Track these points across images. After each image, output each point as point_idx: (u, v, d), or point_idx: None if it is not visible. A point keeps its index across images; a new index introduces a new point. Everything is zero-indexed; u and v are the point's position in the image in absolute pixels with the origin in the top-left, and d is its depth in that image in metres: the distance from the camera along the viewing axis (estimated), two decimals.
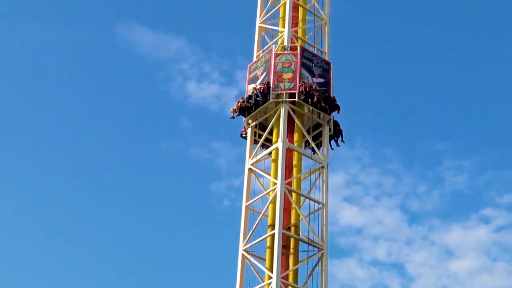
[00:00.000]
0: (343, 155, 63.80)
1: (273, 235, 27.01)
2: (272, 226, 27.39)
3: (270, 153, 29.20)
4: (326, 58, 31.59)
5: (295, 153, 29.12)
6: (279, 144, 28.40)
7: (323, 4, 32.95)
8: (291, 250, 27.46)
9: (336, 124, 30.16)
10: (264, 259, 27.47)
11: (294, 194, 28.20)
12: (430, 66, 74.02)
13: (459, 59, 74.05)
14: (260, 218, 28.00)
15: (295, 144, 29.09)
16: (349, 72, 66.71)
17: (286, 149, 28.47)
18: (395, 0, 73.57)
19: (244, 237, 27.92)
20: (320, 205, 28.62)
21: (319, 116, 29.87)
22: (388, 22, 73.11)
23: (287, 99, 28.98)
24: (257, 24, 32.58)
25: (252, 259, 27.57)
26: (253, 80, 30.54)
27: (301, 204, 28.63)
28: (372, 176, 68.52)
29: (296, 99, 28.91)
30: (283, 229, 26.94)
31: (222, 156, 68.85)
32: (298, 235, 27.86)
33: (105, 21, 74.75)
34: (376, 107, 72.43)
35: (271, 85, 29.19)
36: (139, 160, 69.95)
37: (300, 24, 32.13)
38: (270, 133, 29.62)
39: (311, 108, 29.34)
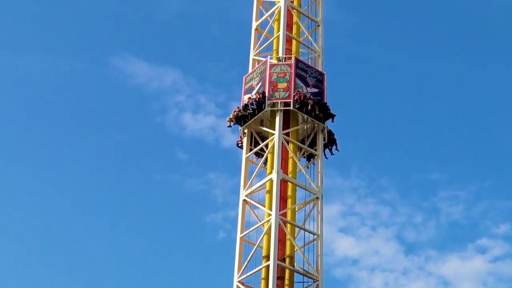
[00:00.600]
0: (339, 186, 64.16)
1: (267, 267, 27.04)
2: (267, 258, 27.42)
3: (264, 184, 29.33)
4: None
5: (290, 184, 29.27)
6: (273, 175, 28.54)
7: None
8: (286, 282, 27.48)
9: (330, 133, 30.86)
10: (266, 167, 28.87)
11: (288, 225, 28.29)
12: (426, 96, 74.57)
13: (456, 89, 74.60)
14: (255, 250, 28.04)
15: (290, 175, 29.25)
16: (344, 101, 67.18)
17: (281, 180, 28.61)
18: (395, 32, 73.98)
19: (239, 269, 27.95)
20: (315, 236, 28.69)
21: (313, 126, 30.54)
22: (384, 53, 73.62)
23: (282, 108, 29.63)
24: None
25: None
26: (249, 90, 31.20)
27: (296, 235, 28.73)
28: (368, 207, 68.70)
29: (291, 107, 29.63)
30: (278, 260, 27.00)
31: (218, 187, 68.97)
32: (293, 266, 27.91)
33: (99, 52, 75.46)
34: (371, 137, 72.83)
35: (267, 94, 29.92)
36: (134, 192, 70.08)
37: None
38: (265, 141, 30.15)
39: (305, 117, 30.05)
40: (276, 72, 30.59)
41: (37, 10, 75.04)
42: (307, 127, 30.65)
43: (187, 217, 68.99)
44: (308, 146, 30.44)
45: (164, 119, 71.18)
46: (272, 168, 28.94)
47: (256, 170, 29.87)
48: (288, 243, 28.07)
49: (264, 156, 29.87)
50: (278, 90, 30.13)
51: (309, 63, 32.36)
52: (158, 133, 72.15)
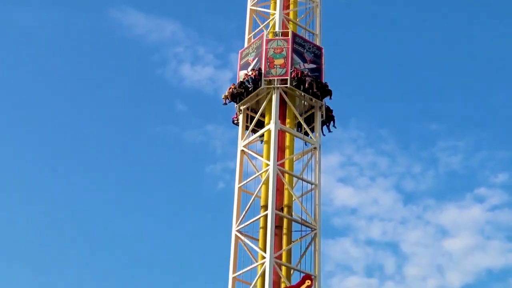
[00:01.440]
0: (338, 137, 64.19)
1: (266, 216, 27.32)
2: (265, 207, 27.70)
3: (262, 135, 29.43)
4: (318, 41, 31.66)
5: (288, 135, 29.39)
6: (271, 125, 28.63)
7: None
8: (284, 231, 27.74)
9: (328, 109, 30.25)
10: (257, 240, 27.79)
11: (286, 175, 28.48)
12: (424, 47, 74.08)
13: (454, 39, 74.11)
14: (253, 199, 28.29)
15: (287, 126, 29.34)
16: (343, 54, 67.03)
17: (279, 130, 28.71)
18: None
19: (237, 218, 28.23)
20: (313, 186, 28.91)
21: (311, 102, 29.93)
22: (381, 3, 73.01)
23: (279, 85, 29.00)
24: (248, 7, 32.60)
25: (246, 240, 27.90)
26: (245, 66, 30.55)
27: (294, 185, 28.92)
28: (367, 157, 68.81)
29: (288, 85, 28.97)
30: (276, 209, 27.23)
31: (217, 139, 68.98)
32: (291, 215, 28.17)
33: (98, 4, 74.65)
34: (371, 88, 72.60)
35: (263, 71, 29.24)
36: (134, 144, 70.20)
37: (291, 6, 32.14)
38: (263, 116, 29.69)
39: (303, 94, 29.37)
40: (272, 48, 29.86)
41: None
42: (304, 103, 30.14)
43: (187, 169, 69.25)
44: (306, 121, 29.92)
45: (164, 71, 71.06)
46: (270, 120, 28.96)
47: (253, 123, 29.79)
48: (286, 193, 28.29)
49: (260, 109, 29.65)
50: (275, 66, 29.45)
51: (307, 13, 32.00)
52: (157, 85, 72.04)
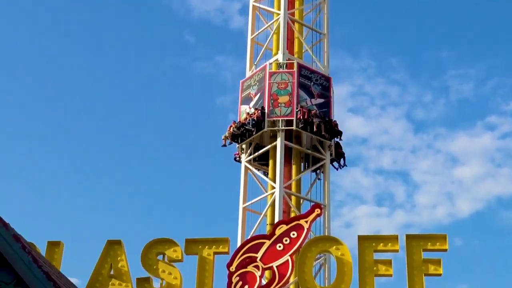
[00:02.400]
0: (348, 67, 63.90)
1: (275, 147, 27.30)
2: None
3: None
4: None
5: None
6: (279, 55, 28.37)
7: None
8: (294, 161, 27.81)
9: (337, 145, 28.21)
10: (267, 170, 27.93)
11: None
12: None
13: None
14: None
15: (296, 56, 29.06)
16: None
17: (287, 60, 28.43)
18: None
19: (247, 150, 28.28)
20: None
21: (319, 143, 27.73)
22: None
23: (283, 127, 26.82)
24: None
25: (255, 170, 28.02)
26: (246, 100, 28.36)
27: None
28: (377, 87, 68.38)
29: (294, 127, 26.74)
30: (285, 140, 27.19)
31: (227, 70, 68.73)
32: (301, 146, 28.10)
33: None
34: (382, 17, 71.61)
35: (266, 111, 27.09)
36: (143, 77, 69.95)
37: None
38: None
39: (310, 135, 27.14)
40: (276, 82, 27.39)
41: None
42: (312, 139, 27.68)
43: (197, 101, 69.12)
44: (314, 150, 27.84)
45: (170, 1, 70.21)
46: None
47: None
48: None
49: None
50: (279, 105, 27.07)
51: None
52: (164, 16, 71.25)
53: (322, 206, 26.36)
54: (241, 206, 27.51)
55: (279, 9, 29.21)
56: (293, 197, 27.24)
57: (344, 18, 67.41)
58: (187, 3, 71.30)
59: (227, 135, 27.98)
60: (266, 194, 27.18)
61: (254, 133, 27.17)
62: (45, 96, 68.61)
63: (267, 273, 16.66)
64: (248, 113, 27.54)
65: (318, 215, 16.78)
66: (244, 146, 27.94)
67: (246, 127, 27.26)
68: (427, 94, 68.95)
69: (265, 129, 27.02)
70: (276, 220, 25.04)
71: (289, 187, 27.14)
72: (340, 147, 28.30)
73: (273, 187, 26.72)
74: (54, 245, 17.24)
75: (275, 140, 27.25)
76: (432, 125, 68.90)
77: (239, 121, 27.73)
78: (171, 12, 70.13)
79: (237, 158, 28.53)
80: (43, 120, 67.05)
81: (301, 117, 26.68)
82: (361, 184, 65.42)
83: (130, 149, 67.13)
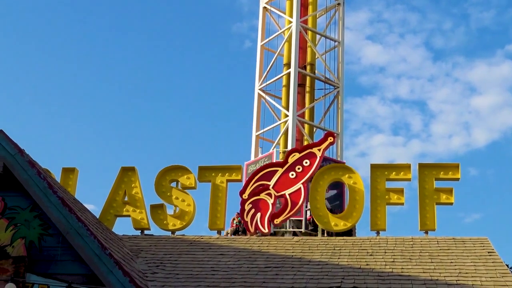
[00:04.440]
0: None
1: (289, 74, 27.29)
2: (288, 65, 27.60)
3: None
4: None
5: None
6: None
7: None
8: (307, 89, 27.80)
9: None
10: (280, 98, 27.96)
11: (310, 32, 28.21)
12: None
13: None
14: (276, 57, 28.18)
15: None
16: None
17: None
18: None
19: (260, 77, 28.20)
20: (336, 43, 28.70)
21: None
22: None
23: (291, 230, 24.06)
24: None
25: (268, 98, 28.06)
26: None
27: (317, 42, 28.73)
28: (397, 13, 67.37)
29: (303, 230, 23.61)
30: (298, 67, 27.23)
31: None
32: (314, 73, 28.15)
33: None
34: None
35: None
36: (162, 3, 69.34)
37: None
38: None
39: None
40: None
41: None
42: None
43: (213, 27, 68.59)
44: None
45: None
46: None
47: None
48: (309, 50, 28.12)
49: None
50: None
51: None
52: None
53: (336, 134, 26.55)
54: (254, 133, 27.66)
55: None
56: (306, 126, 27.33)
57: None
58: None
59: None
60: (279, 122, 27.25)
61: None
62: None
63: (279, 200, 16.83)
64: None
65: (331, 143, 16.89)
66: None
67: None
68: (447, 22, 67.98)
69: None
70: (289, 148, 25.13)
71: (303, 115, 27.21)
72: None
73: (286, 115, 26.81)
74: (68, 172, 17.50)
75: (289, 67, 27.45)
76: (450, 53, 68.22)
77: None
78: None
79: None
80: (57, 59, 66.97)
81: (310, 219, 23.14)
82: (377, 113, 65.23)
83: (144, 74, 67.07)
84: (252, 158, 26.99)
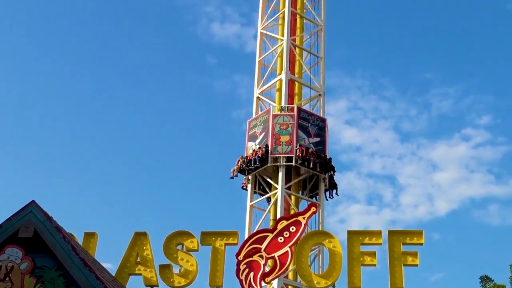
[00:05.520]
0: (346, 84, 64.14)
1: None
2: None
3: (275, 84, 29.14)
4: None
5: (296, 84, 29.09)
6: (282, 75, 28.44)
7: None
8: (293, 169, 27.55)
9: (331, 177, 27.65)
10: (271, 177, 27.59)
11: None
12: (421, 9, 72.90)
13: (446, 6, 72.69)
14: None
15: (296, 76, 29.16)
16: (352, 12, 66.17)
17: (289, 80, 28.52)
18: None
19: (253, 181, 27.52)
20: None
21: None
22: None
23: (284, 163, 26.43)
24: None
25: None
26: (252, 138, 27.90)
27: None
28: (370, 102, 68.63)
29: (293, 163, 26.31)
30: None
31: (242, 87, 68.80)
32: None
33: None
34: (375, 42, 71.69)
35: (269, 148, 26.67)
36: (168, 91, 70.19)
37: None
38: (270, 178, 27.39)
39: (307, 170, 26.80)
40: (278, 124, 27.08)
41: None
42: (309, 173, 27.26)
43: (216, 114, 69.51)
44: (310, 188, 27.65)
45: (195, 28, 70.49)
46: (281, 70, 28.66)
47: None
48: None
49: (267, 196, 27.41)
50: (281, 143, 26.68)
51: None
52: (190, 41, 71.52)
53: (317, 204, 26.49)
54: (248, 203, 27.46)
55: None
56: (293, 197, 27.19)
57: (343, 43, 67.66)
58: (209, 30, 71.51)
59: (235, 168, 27.58)
60: (270, 194, 27.00)
61: (259, 166, 26.71)
62: (90, 97, 68.89)
63: (270, 261, 16.71)
64: (254, 150, 27.20)
65: (314, 212, 16.80)
66: (250, 177, 27.54)
67: (251, 165, 26.86)
68: (412, 109, 69.15)
69: (268, 164, 26.58)
70: (278, 216, 25.04)
71: (290, 188, 26.85)
72: (333, 179, 27.64)
73: (276, 188, 26.66)
74: (89, 235, 17.30)
75: (277, 173, 26.76)
76: (416, 136, 69.15)
77: (246, 156, 27.30)
78: (196, 38, 70.50)
79: (244, 187, 27.95)
80: (90, 124, 67.40)
81: (300, 155, 26.33)
82: (354, 186, 65.60)
83: (155, 155, 67.32)
84: (247, 225, 26.88)
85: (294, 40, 29.74)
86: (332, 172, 27.48)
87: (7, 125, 63.92)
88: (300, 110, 27.89)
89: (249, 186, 27.57)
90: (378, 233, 16.20)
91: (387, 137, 68.36)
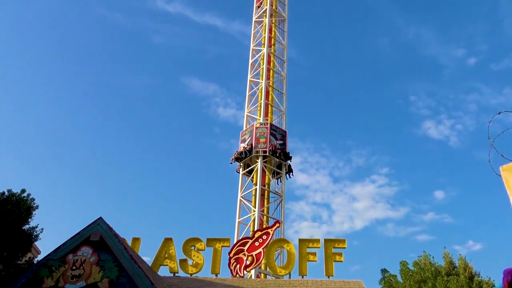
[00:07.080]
0: (300, 147, 64.33)
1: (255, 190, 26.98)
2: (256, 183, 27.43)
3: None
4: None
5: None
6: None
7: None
8: (265, 197, 27.21)
9: (289, 166, 28.35)
10: (251, 201, 27.00)
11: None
12: (350, 102, 74.10)
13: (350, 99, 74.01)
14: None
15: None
16: (304, 101, 67.07)
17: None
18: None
19: (241, 188, 27.62)
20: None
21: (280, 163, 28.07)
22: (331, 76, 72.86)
23: (262, 154, 27.56)
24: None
25: (246, 203, 27.25)
26: (243, 141, 28.76)
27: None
28: (314, 158, 69.05)
29: (267, 154, 27.49)
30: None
31: (236, 147, 68.65)
32: (269, 190, 27.56)
33: (174, 74, 74.62)
34: (317, 121, 72.65)
35: (253, 146, 27.61)
36: (188, 151, 70.02)
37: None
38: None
39: (276, 159, 27.72)
40: (259, 132, 28.25)
41: None
42: (276, 160, 28.06)
43: (219, 167, 69.69)
44: (277, 167, 28.24)
45: (208, 111, 71.18)
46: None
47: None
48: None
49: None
50: (260, 143, 27.79)
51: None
52: (204, 118, 72.29)
53: (280, 221, 26.13)
54: (237, 220, 26.99)
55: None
56: (264, 217, 26.79)
57: (298, 122, 68.33)
58: (216, 112, 72.32)
59: (233, 157, 28.42)
60: (250, 214, 26.56)
61: (247, 156, 27.74)
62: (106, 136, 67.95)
63: (249, 258, 16.30)
64: (244, 147, 28.07)
65: (278, 227, 16.61)
66: (241, 164, 28.21)
67: (243, 155, 27.86)
68: (340, 162, 69.52)
69: (253, 155, 27.48)
70: (256, 228, 24.60)
71: (263, 211, 26.70)
72: (290, 166, 28.27)
73: (254, 211, 26.33)
74: (136, 240, 16.86)
75: (257, 161, 27.39)
76: (342, 179, 69.40)
77: (240, 152, 28.19)
78: (208, 116, 71.09)
79: (238, 170, 28.42)
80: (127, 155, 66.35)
81: (271, 150, 27.32)
82: (304, 210, 65.35)
83: (182, 189, 66.13)
84: (235, 234, 26.26)
85: (267, 119, 29.81)
86: (289, 161, 28.25)
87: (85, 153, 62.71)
88: (271, 125, 28.73)
89: (240, 173, 27.91)
90: (317, 241, 15.93)
91: (325, 179, 68.58)
